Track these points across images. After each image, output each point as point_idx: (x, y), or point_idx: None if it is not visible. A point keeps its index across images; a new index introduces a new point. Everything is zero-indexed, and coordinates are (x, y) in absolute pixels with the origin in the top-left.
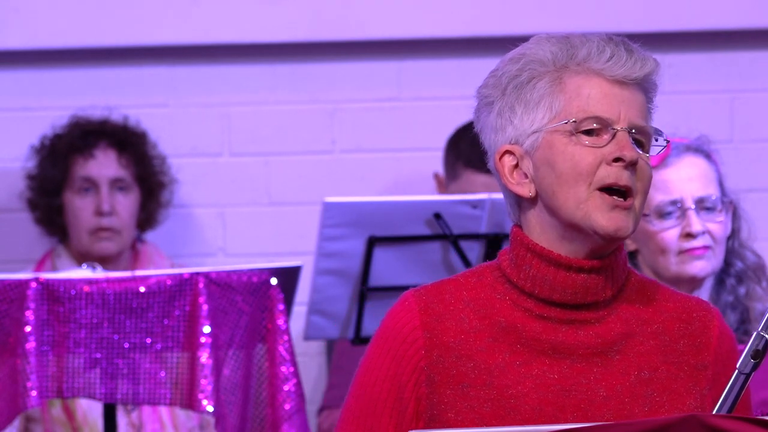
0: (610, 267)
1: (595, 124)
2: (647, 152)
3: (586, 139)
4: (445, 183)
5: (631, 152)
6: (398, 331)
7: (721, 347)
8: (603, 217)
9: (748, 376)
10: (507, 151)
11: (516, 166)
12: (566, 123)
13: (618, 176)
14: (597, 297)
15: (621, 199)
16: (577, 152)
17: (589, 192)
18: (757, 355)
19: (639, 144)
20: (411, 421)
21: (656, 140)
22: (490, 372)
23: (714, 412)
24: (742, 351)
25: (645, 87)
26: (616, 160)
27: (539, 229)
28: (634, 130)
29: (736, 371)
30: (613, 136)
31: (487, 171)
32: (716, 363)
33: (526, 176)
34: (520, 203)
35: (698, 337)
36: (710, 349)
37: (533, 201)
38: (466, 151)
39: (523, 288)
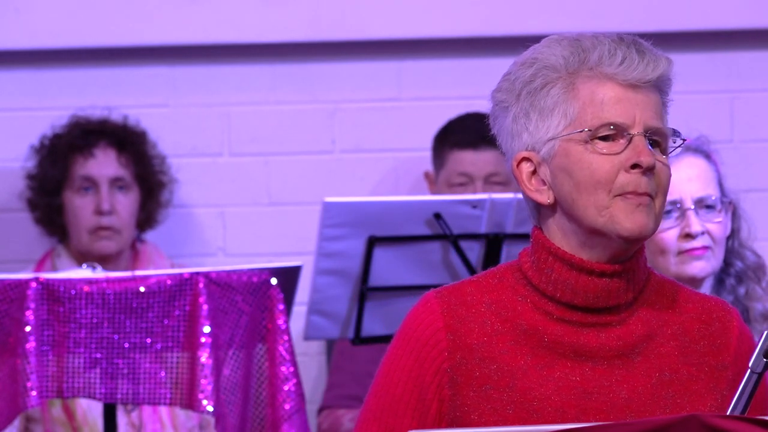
0: (632, 270)
1: (610, 130)
2: (665, 152)
3: (602, 146)
4: (434, 179)
5: (648, 158)
6: (421, 332)
7: (740, 347)
8: (627, 219)
9: (760, 375)
10: (524, 158)
11: (534, 172)
12: (582, 132)
13: (637, 184)
14: (619, 300)
15: (643, 197)
16: (594, 160)
17: (609, 199)
18: None
19: (656, 144)
20: (433, 423)
21: (674, 141)
22: (512, 374)
23: (728, 412)
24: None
25: (659, 86)
26: (634, 166)
27: (560, 234)
28: (649, 133)
29: (749, 371)
30: (630, 141)
31: (474, 148)
32: (736, 363)
33: (544, 183)
34: (539, 209)
35: (718, 338)
36: (730, 349)
37: (553, 207)
38: (451, 137)
39: (544, 291)
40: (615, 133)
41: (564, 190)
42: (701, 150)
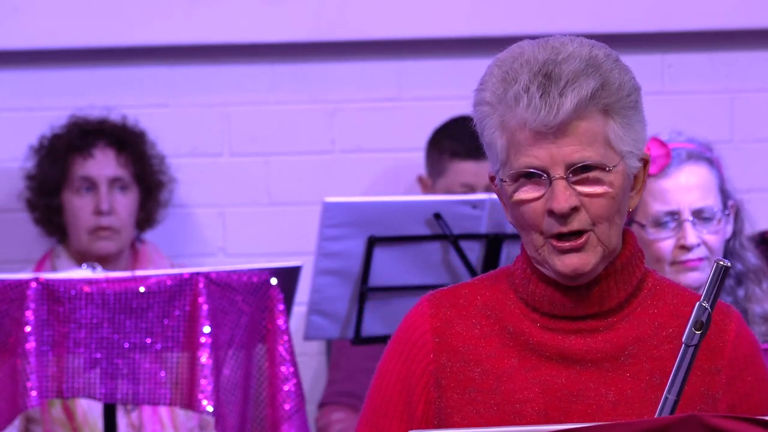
0: (611, 276)
1: (531, 174)
2: (610, 174)
3: (527, 189)
4: (430, 184)
5: (561, 204)
6: (410, 334)
7: (736, 351)
8: (558, 261)
9: (696, 347)
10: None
11: None
12: (505, 179)
13: (561, 227)
14: (600, 308)
15: (572, 242)
16: (521, 206)
17: (544, 239)
18: (699, 326)
19: (588, 180)
20: (420, 424)
21: (614, 166)
22: (498, 377)
23: (666, 389)
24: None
25: (599, 110)
26: (551, 212)
27: None
28: (574, 169)
29: (683, 345)
30: (551, 183)
31: (475, 158)
32: (731, 367)
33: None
34: None
35: (713, 341)
36: (724, 353)
37: None
38: (449, 144)
39: (527, 301)
40: (538, 174)
41: (512, 221)
42: (703, 157)
